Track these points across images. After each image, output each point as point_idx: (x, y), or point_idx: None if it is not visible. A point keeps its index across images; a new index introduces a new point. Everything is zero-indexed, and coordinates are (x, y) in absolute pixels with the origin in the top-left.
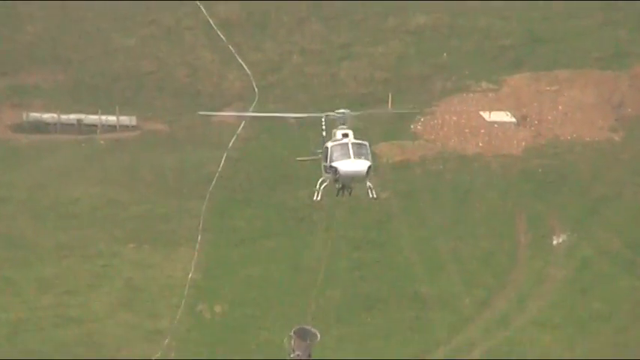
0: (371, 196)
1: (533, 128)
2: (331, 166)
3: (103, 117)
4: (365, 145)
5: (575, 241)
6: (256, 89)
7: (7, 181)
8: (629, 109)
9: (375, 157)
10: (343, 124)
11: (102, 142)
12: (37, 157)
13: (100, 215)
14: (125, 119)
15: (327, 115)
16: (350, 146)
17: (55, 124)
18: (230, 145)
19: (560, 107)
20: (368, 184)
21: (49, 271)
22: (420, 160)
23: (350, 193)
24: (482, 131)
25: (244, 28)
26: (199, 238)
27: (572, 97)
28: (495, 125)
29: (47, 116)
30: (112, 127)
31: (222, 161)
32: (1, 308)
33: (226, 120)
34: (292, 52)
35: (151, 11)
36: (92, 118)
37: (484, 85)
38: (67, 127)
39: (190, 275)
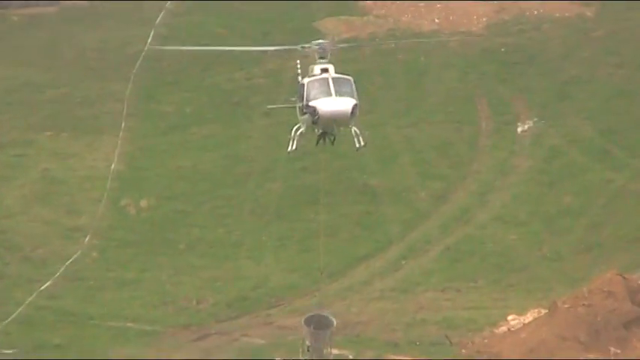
0: (358, 145)
1: (495, 2)
2: (308, 106)
3: None
4: (349, 80)
5: (543, 129)
6: None
7: None
8: None
9: (320, 34)
10: (322, 58)
11: (15, 18)
12: None
13: (14, 99)
14: None
15: (302, 47)
16: (330, 82)
17: None
18: (158, 21)
19: None
20: (354, 129)
21: None
22: (370, 38)
23: (333, 142)
24: (439, 6)
25: None
26: (123, 125)
27: None
28: None
29: None
30: (26, 1)
31: (149, 39)
32: None
33: None
34: None
35: None
36: None
37: None
38: None
39: (113, 166)
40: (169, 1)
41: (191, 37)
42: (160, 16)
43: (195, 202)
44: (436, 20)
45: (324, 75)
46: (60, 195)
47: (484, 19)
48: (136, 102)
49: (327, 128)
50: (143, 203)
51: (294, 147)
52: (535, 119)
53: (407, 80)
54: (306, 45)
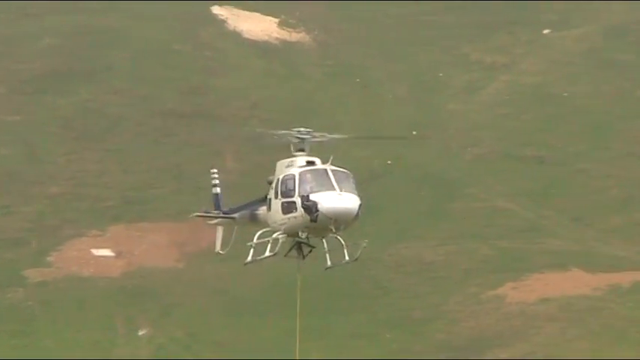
0: (347, 259)
1: (126, 259)
2: (308, 200)
3: None
4: (349, 174)
5: (153, 333)
6: None
7: None
8: (189, 247)
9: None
10: (302, 150)
11: None
12: None
13: None
14: None
15: (288, 133)
16: (330, 174)
17: None
18: None
19: (144, 246)
20: (341, 240)
21: None
22: (53, 281)
23: (306, 255)
24: (92, 262)
25: None
26: None
27: (142, 237)
28: (101, 258)
29: None
30: None
31: None
32: None
33: None
34: None
35: None
36: None
37: (94, 232)
38: None
39: None
40: None
41: None
42: None
43: None
44: (91, 270)
45: (321, 166)
46: None
47: (120, 270)
48: None
49: (323, 229)
50: None
51: (272, 252)
52: (148, 328)
53: (68, 308)
54: (289, 131)
